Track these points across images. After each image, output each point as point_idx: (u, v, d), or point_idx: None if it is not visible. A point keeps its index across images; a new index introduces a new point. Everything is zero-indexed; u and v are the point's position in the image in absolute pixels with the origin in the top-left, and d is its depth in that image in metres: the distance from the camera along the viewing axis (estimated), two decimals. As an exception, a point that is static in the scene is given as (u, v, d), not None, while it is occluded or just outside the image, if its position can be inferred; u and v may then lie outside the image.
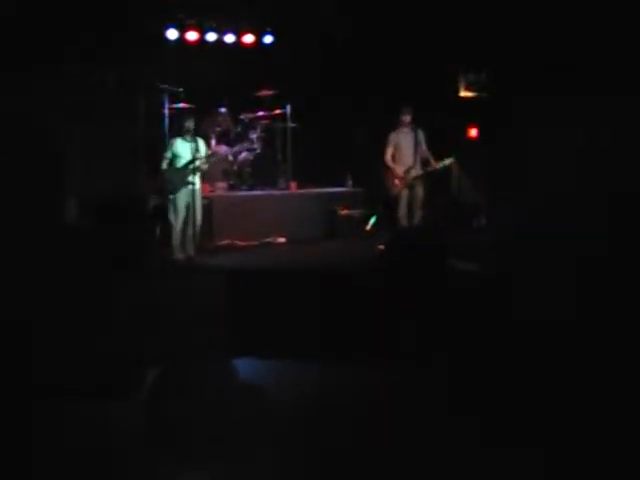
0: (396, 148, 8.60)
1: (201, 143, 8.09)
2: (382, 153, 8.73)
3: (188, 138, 7.99)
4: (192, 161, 7.94)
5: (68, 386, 3.98)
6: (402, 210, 8.56)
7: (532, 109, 8.50)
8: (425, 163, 8.50)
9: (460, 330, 4.70)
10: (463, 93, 9.92)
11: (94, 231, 7.66)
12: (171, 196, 7.81)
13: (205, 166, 8.27)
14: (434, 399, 3.84)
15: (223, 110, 10.13)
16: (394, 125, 8.68)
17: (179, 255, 7.85)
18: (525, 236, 7.12)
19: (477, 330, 4.68)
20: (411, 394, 3.93)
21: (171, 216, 7.86)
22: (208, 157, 8.33)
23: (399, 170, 8.54)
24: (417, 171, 8.49)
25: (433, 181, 8.57)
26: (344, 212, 9.78)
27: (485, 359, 4.28)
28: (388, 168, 8.61)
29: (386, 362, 4.40)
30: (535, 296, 5.22)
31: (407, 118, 8.54)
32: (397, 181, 8.52)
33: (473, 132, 9.87)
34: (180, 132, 8.07)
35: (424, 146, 8.51)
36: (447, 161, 8.41)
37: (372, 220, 9.26)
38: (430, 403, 3.80)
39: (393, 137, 8.60)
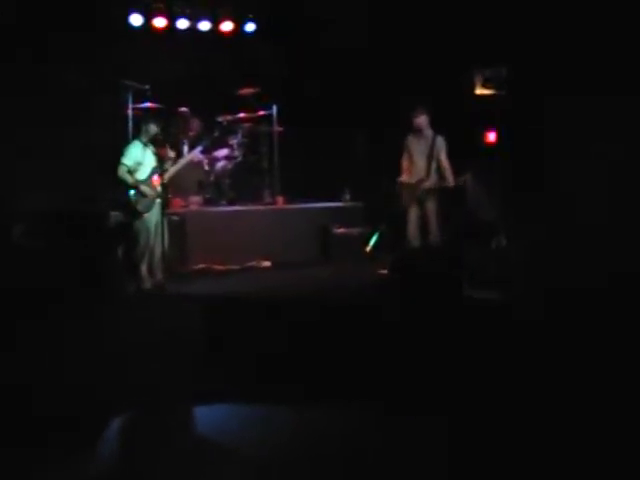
0: (409, 155, 8.69)
1: (153, 149, 8.09)
2: (386, 161, 8.85)
3: (148, 143, 8.01)
4: (157, 169, 7.99)
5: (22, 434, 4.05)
6: (411, 229, 8.61)
7: (561, 111, 8.57)
8: (442, 175, 8.53)
9: (477, 374, 4.75)
10: (479, 91, 10.01)
11: (43, 253, 7.69)
12: (146, 215, 7.85)
13: (171, 175, 8.40)
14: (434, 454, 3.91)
15: (184, 110, 10.21)
16: (403, 128, 8.76)
17: (147, 283, 7.90)
18: (551, 259, 7.20)
19: (497, 376, 4.72)
20: (409, 448, 4.01)
21: (142, 237, 7.89)
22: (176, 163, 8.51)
23: (409, 181, 8.61)
24: (430, 184, 8.54)
25: (447, 195, 8.63)
26: (340, 231, 9.89)
27: (504, 412, 4.33)
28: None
29: (384, 408, 4.46)
30: (566, 331, 5.27)
31: (419, 121, 8.60)
32: (405, 194, 8.60)
33: (491, 136, 9.96)
34: (140, 135, 8.10)
35: (443, 156, 8.55)
36: (463, 178, 8.49)
37: (373, 240, 9.33)
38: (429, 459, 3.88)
39: (408, 142, 8.68)
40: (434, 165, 8.53)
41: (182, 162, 8.85)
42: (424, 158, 8.58)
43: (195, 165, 9.80)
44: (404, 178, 8.68)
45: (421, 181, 8.57)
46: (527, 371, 4.73)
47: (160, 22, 10.41)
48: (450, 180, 8.47)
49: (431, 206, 8.59)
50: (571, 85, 8.52)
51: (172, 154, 9.16)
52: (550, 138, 8.85)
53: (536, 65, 9.09)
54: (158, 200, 8.02)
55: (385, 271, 7.35)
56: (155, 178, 7.99)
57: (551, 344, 5.08)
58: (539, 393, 4.44)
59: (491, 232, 8.92)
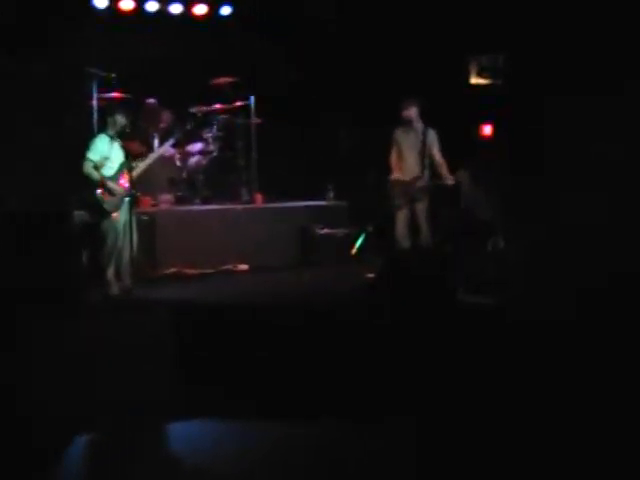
0: (398, 150, 8.68)
1: (120, 143, 8.02)
2: (372, 157, 8.83)
3: (115, 136, 7.94)
4: (126, 165, 7.92)
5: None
6: (400, 229, 8.62)
7: (561, 111, 8.63)
8: (435, 172, 8.53)
9: (472, 382, 4.75)
10: (475, 80, 10.04)
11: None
12: (114, 214, 7.78)
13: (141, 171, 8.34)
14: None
15: (152, 101, 10.16)
16: (392, 121, 8.75)
17: (114, 288, 7.84)
18: (551, 259, 7.23)
19: (492, 386, 4.73)
20: (390, 460, 4.02)
21: (109, 239, 7.82)
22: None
23: (402, 179, 8.60)
24: (423, 181, 8.55)
25: (440, 193, 8.64)
26: (323, 231, 9.85)
27: (500, 423, 4.33)
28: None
29: (368, 425, 4.46)
30: (565, 332, 5.30)
31: (409, 114, 8.60)
32: (398, 192, 8.59)
33: (487, 130, 9.98)
34: (107, 128, 8.01)
35: (436, 150, 8.55)
36: (460, 175, 8.50)
37: (359, 242, 9.33)
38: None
39: (396, 136, 8.68)
40: (427, 161, 8.55)
41: (152, 157, 8.80)
42: (415, 153, 8.59)
43: (166, 160, 9.76)
44: (396, 175, 8.66)
45: (416, 179, 8.56)
46: (525, 377, 4.74)
47: (127, 4, 10.35)
48: (447, 177, 8.46)
49: (422, 205, 8.60)
50: (571, 85, 8.58)
51: (141, 148, 9.12)
52: (550, 138, 8.90)
53: (534, 54, 9.13)
54: (127, 198, 7.95)
55: (373, 274, 7.34)
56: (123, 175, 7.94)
57: (550, 345, 5.09)
58: (538, 397, 4.46)
59: (488, 232, 8.94)
